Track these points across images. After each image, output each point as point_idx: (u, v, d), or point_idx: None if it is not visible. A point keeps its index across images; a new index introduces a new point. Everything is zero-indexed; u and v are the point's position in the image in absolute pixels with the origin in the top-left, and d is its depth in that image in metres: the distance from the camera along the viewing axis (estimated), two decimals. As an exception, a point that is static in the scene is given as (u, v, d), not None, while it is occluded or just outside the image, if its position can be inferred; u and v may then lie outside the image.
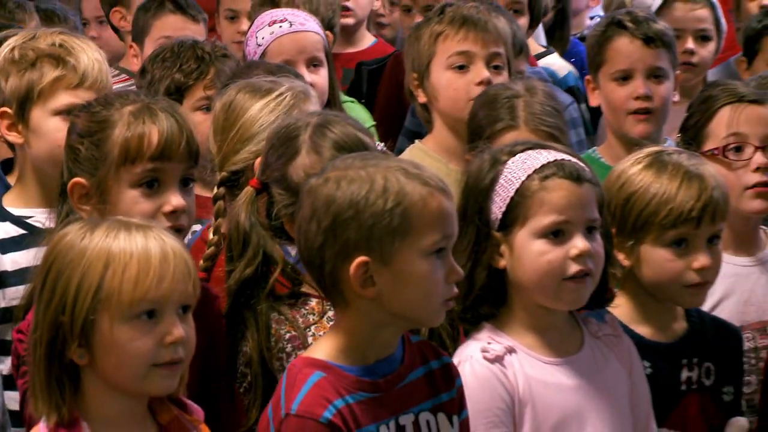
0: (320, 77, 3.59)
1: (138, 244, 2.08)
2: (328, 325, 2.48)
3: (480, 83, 3.29)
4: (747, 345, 2.99)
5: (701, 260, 2.65)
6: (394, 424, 2.22)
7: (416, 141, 3.51)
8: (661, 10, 4.23)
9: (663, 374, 2.69)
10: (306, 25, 3.68)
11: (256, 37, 3.65)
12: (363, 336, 2.24)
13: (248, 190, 2.53)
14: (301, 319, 2.50)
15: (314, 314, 2.51)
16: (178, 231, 2.46)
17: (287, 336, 2.49)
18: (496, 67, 3.34)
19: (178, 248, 2.12)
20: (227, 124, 2.77)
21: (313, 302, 2.52)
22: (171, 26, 4.07)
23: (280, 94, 2.80)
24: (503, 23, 3.39)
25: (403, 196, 2.19)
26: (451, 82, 3.33)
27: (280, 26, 3.64)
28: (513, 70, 3.43)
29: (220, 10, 4.61)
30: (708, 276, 2.68)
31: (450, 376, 2.33)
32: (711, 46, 4.20)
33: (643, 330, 2.71)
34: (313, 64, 3.60)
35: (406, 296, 2.20)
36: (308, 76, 3.51)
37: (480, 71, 3.31)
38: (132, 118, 2.47)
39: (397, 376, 2.26)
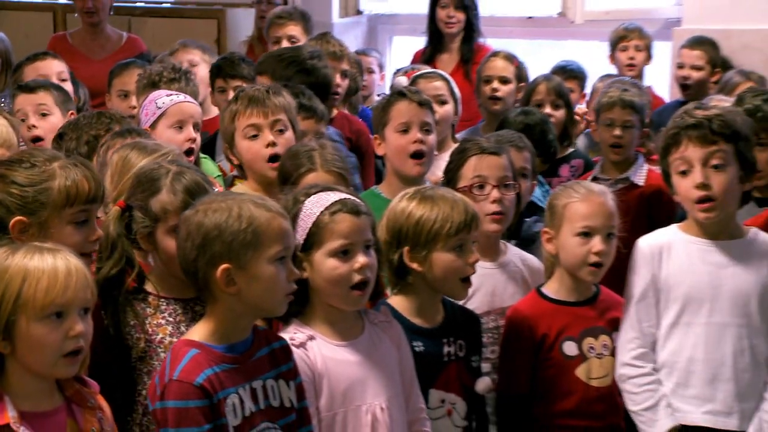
0: (199, 137, 3.66)
1: (48, 263, 2.08)
2: (160, 316, 2.49)
3: (268, 146, 3.30)
4: (492, 324, 3.04)
5: (474, 256, 2.73)
6: (248, 388, 2.25)
7: (238, 183, 3.52)
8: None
9: (431, 350, 2.72)
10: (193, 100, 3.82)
11: (156, 103, 3.65)
12: (227, 323, 2.26)
13: (116, 209, 2.52)
14: (141, 311, 2.50)
15: (151, 307, 2.50)
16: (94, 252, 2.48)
17: (132, 323, 2.48)
18: (280, 131, 3.34)
19: (80, 265, 2.12)
20: (123, 171, 2.77)
21: (150, 298, 2.51)
22: (20, 103, 4.00)
23: (164, 153, 2.83)
24: (281, 97, 3.38)
25: (253, 219, 2.22)
26: (249, 148, 3.33)
27: (177, 96, 3.71)
28: (298, 128, 3.42)
29: (112, 91, 4.57)
30: (475, 268, 2.75)
31: (287, 353, 2.36)
32: (448, 107, 4.20)
33: (417, 320, 2.74)
34: (195, 127, 3.65)
35: (258, 292, 2.23)
36: (193, 135, 3.62)
37: (266, 137, 3.31)
38: (65, 171, 2.45)
39: (250, 353, 2.28)
